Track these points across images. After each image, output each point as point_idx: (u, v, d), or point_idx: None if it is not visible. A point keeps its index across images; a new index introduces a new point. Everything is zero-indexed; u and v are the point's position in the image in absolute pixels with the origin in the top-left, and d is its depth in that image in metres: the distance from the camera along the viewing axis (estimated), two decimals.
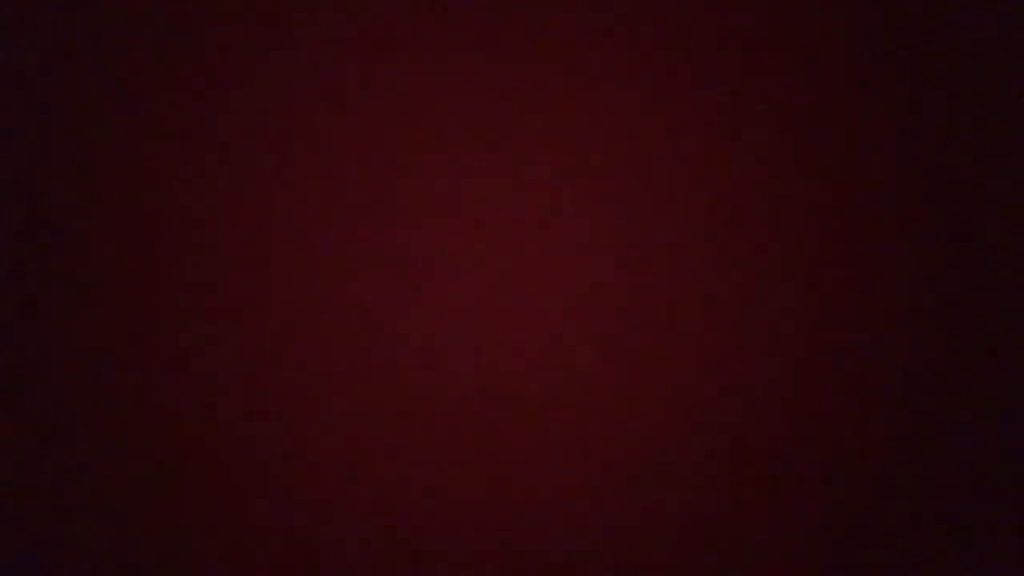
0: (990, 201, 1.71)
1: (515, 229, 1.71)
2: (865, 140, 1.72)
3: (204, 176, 1.71)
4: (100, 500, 1.68)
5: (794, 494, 1.69)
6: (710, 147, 1.71)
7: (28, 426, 1.69)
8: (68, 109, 1.71)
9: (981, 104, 1.72)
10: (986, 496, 1.69)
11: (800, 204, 1.71)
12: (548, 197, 1.71)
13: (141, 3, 1.71)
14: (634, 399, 1.70)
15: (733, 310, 1.70)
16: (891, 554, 1.70)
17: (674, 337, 1.70)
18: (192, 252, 1.70)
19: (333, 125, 1.71)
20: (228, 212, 1.70)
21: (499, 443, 1.69)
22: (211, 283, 1.70)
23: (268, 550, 1.69)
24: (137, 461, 1.69)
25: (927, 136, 1.72)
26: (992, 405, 1.70)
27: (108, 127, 1.71)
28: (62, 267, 1.70)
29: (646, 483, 1.69)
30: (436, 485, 1.69)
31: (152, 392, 1.69)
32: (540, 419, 1.70)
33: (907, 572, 1.69)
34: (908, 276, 1.71)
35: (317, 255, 1.70)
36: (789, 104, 1.72)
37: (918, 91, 1.72)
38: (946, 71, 1.72)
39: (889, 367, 1.70)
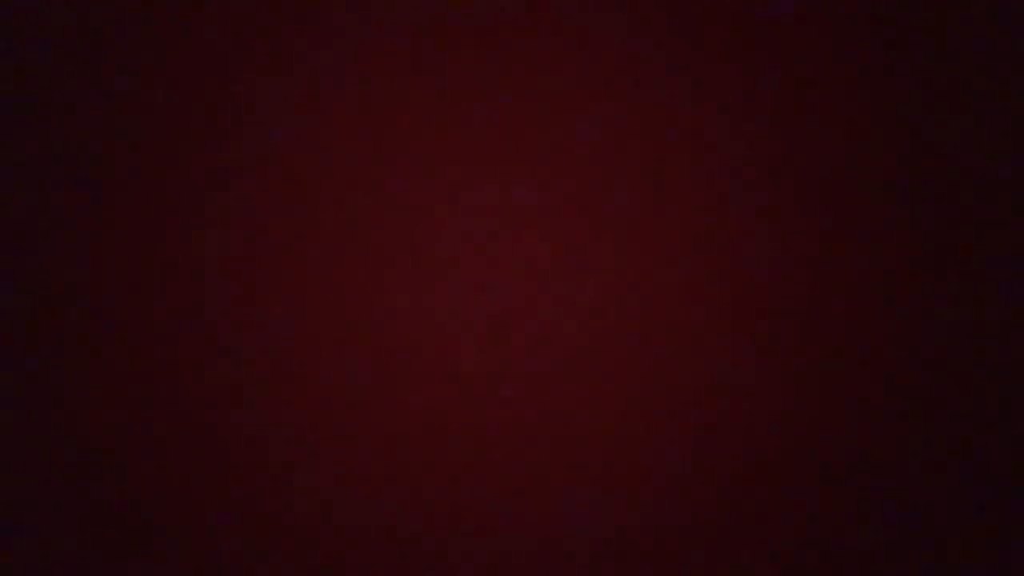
0: (991, 202, 1.71)
1: (517, 230, 1.71)
2: (865, 141, 1.72)
3: (205, 177, 1.71)
4: (103, 500, 1.68)
5: (799, 496, 1.69)
6: (711, 147, 1.71)
7: (29, 429, 1.69)
8: (67, 109, 1.71)
9: (981, 105, 1.72)
10: (987, 497, 1.69)
11: (801, 205, 1.71)
12: (550, 197, 1.71)
13: (140, 4, 1.72)
14: (636, 399, 1.70)
15: (734, 310, 1.70)
16: (893, 554, 1.70)
17: (677, 337, 1.70)
18: (193, 252, 1.70)
19: (336, 125, 1.72)
20: (230, 212, 1.70)
21: (502, 444, 1.69)
22: (212, 283, 1.70)
23: (272, 549, 1.69)
24: (137, 459, 1.69)
25: (928, 135, 1.72)
26: (994, 406, 1.70)
27: (108, 127, 1.71)
28: (63, 268, 1.70)
29: (648, 484, 1.69)
30: (436, 485, 1.69)
31: (153, 390, 1.69)
32: (544, 420, 1.70)
33: (908, 572, 1.69)
34: (908, 277, 1.71)
35: (320, 256, 1.70)
36: (788, 105, 1.72)
37: (917, 92, 1.72)
38: (946, 72, 1.72)
39: (890, 367, 1.70)
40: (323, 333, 1.70)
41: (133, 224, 1.70)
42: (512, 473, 1.69)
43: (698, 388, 1.70)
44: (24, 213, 1.70)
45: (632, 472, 1.69)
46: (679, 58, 1.72)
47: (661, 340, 1.70)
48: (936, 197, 1.72)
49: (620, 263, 1.71)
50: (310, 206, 1.71)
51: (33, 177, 1.70)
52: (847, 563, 1.69)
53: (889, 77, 1.72)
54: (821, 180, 1.72)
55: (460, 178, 1.71)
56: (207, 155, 1.71)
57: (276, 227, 1.70)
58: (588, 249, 1.71)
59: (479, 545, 1.69)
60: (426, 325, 1.70)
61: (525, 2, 1.72)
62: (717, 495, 1.69)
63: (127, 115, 1.71)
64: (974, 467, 1.70)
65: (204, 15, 1.71)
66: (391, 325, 1.70)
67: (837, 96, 1.72)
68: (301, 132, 1.71)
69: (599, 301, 1.70)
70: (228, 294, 1.70)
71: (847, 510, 1.69)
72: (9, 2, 1.71)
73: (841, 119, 1.72)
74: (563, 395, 1.70)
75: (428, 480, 1.69)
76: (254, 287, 1.70)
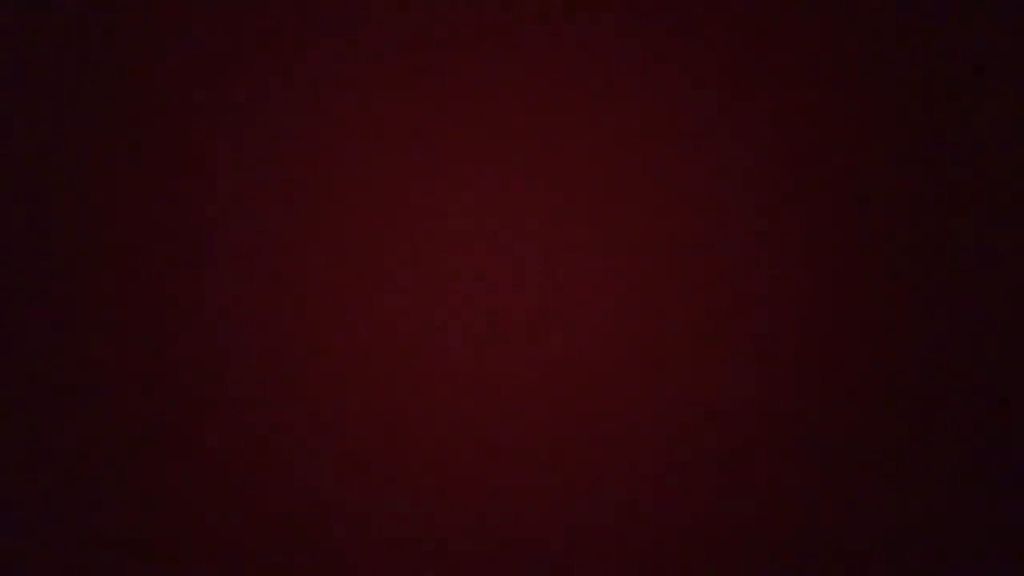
0: (990, 203, 1.71)
1: (517, 230, 1.71)
2: (864, 141, 1.72)
3: (204, 177, 1.71)
4: (102, 500, 1.68)
5: (799, 495, 1.69)
6: (712, 148, 1.72)
7: (27, 428, 1.69)
8: (67, 109, 1.71)
9: (981, 105, 1.72)
10: (988, 496, 1.69)
11: (802, 205, 1.71)
12: (550, 197, 1.71)
13: (141, 4, 1.72)
14: (636, 399, 1.70)
15: (734, 309, 1.70)
16: (893, 554, 1.70)
17: (677, 337, 1.70)
18: (192, 251, 1.70)
19: (336, 125, 1.72)
20: (230, 212, 1.70)
21: (501, 443, 1.69)
22: (211, 282, 1.70)
23: (271, 549, 1.69)
24: (136, 460, 1.69)
25: (927, 135, 1.72)
26: (994, 406, 1.70)
27: (109, 127, 1.71)
28: (63, 268, 1.70)
29: (648, 484, 1.69)
30: (436, 485, 1.69)
31: (151, 390, 1.69)
32: (543, 420, 1.70)
33: (908, 571, 1.69)
34: (908, 277, 1.71)
35: (319, 256, 1.70)
36: (789, 105, 1.72)
37: (917, 92, 1.72)
38: (945, 72, 1.72)
39: (889, 368, 1.70)
40: (322, 333, 1.70)
41: (132, 224, 1.70)
42: (511, 473, 1.69)
43: (698, 388, 1.70)
44: (24, 213, 1.70)
45: (631, 471, 1.69)
46: (679, 58, 1.72)
47: (661, 339, 1.70)
48: (936, 197, 1.72)
49: (620, 263, 1.71)
50: (309, 206, 1.71)
51: (33, 177, 1.70)
52: (847, 562, 1.69)
53: (890, 77, 1.72)
54: (822, 180, 1.72)
55: (460, 178, 1.71)
56: (207, 155, 1.71)
57: (275, 227, 1.71)
58: (588, 249, 1.71)
59: (479, 545, 1.69)
60: (425, 325, 1.70)
61: (526, 2, 1.72)
62: (716, 494, 1.69)
63: (127, 115, 1.71)
64: (974, 466, 1.70)
65: (204, 15, 1.71)
66: (390, 325, 1.70)
67: (838, 96, 1.72)
68: (301, 132, 1.71)
69: (599, 300, 1.70)
70: (227, 294, 1.70)
71: (847, 510, 1.69)
72: (9, 2, 1.71)
73: (842, 119, 1.72)
74: (563, 395, 1.70)
75: (427, 480, 1.69)
76: (253, 287, 1.70)
